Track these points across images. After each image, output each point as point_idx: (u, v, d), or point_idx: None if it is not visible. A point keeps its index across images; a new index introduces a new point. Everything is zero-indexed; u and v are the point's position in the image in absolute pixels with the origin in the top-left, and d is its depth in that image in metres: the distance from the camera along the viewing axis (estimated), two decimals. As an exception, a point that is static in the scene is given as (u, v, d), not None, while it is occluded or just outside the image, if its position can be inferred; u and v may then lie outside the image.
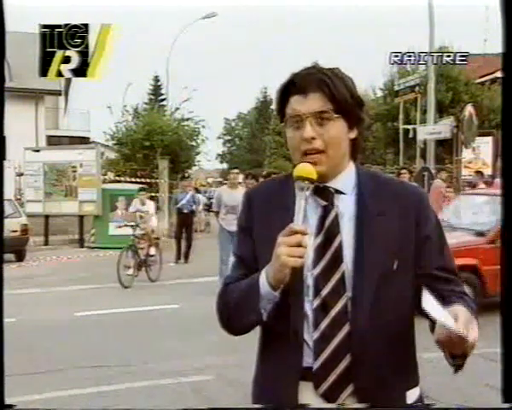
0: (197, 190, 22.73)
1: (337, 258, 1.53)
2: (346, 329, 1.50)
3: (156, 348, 6.49)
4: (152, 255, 11.02)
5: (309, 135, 1.51)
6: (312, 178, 1.49)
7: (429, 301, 1.37)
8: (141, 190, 12.24)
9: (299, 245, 1.42)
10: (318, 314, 1.51)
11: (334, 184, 1.57)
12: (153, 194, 17.81)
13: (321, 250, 1.53)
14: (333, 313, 1.51)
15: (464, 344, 1.35)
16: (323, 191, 1.56)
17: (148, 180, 19.01)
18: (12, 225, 13.18)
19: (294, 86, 1.55)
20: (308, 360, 1.53)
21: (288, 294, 1.50)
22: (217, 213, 9.51)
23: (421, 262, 1.55)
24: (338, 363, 1.50)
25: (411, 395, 1.59)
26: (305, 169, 1.49)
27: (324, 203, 1.56)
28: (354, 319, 1.50)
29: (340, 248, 1.53)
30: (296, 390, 1.53)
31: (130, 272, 10.29)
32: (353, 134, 1.58)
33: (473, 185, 12.73)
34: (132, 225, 10.80)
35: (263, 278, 1.48)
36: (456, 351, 1.40)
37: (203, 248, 13.78)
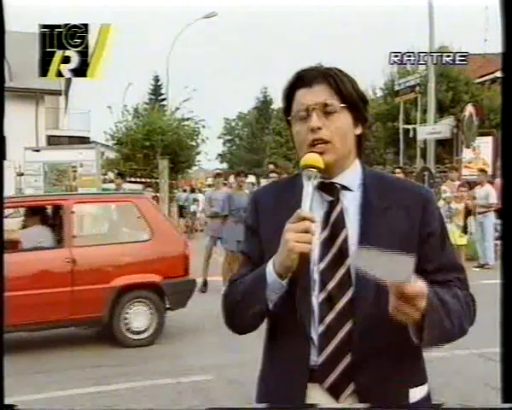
0: (199, 191, 22.79)
1: (343, 252, 1.54)
2: (350, 323, 1.51)
3: (156, 348, 6.50)
4: None
5: (315, 124, 1.53)
6: (319, 166, 1.50)
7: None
8: (147, 186, 11.56)
9: (307, 231, 1.43)
10: (324, 308, 1.52)
11: (340, 180, 1.59)
12: (153, 194, 17.76)
13: (327, 245, 1.54)
14: (338, 306, 1.52)
15: (413, 298, 1.34)
16: (329, 187, 1.58)
17: (148, 180, 19.01)
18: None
19: (301, 81, 1.58)
20: (314, 358, 1.53)
21: (295, 288, 1.51)
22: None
23: (421, 261, 1.55)
24: (342, 357, 1.51)
25: (415, 394, 1.58)
26: (312, 158, 1.51)
27: (330, 199, 1.58)
28: (358, 314, 1.51)
29: (345, 243, 1.54)
30: (304, 389, 1.53)
31: None
32: (359, 130, 1.60)
33: (474, 185, 12.70)
34: None
35: (270, 268, 1.49)
36: (412, 312, 1.36)
37: (203, 247, 13.76)
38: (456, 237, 10.38)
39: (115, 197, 8.60)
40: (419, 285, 1.36)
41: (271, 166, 10.83)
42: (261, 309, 1.52)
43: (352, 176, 1.60)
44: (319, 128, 1.53)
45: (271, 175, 9.67)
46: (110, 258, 6.61)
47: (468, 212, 10.78)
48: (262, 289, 1.50)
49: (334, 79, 1.55)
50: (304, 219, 1.43)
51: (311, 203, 1.47)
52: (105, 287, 6.43)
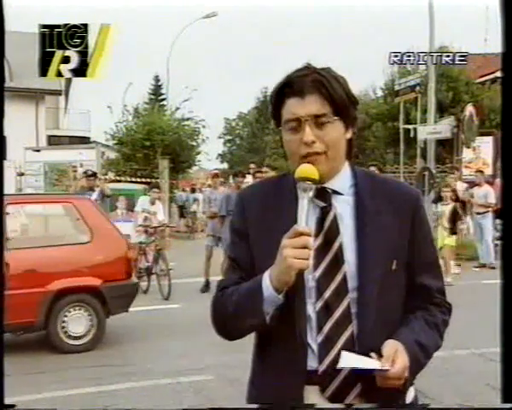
0: (200, 191, 22.76)
1: (338, 259, 1.52)
2: (349, 330, 1.50)
3: (156, 348, 6.50)
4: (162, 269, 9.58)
5: (309, 139, 1.50)
6: (315, 178, 1.48)
7: (348, 358, 1.44)
8: (154, 187, 11.43)
9: (305, 247, 1.41)
10: (322, 317, 1.51)
11: (331, 184, 1.57)
12: (159, 194, 17.77)
13: (321, 252, 1.52)
14: (336, 314, 1.50)
15: (396, 377, 1.43)
16: (321, 192, 1.55)
17: (148, 180, 19.01)
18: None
19: (290, 88, 1.53)
20: (312, 364, 1.51)
21: (290, 297, 1.48)
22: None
23: (410, 263, 1.58)
24: None
25: (409, 395, 1.59)
26: (307, 170, 1.48)
27: (322, 204, 1.55)
28: (359, 320, 1.50)
29: (340, 249, 1.52)
30: (302, 394, 1.52)
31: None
32: (349, 134, 1.58)
33: (473, 185, 12.71)
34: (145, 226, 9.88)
35: (266, 281, 1.47)
36: (399, 384, 1.46)
37: (202, 248, 13.75)
38: (443, 237, 10.31)
39: (53, 198, 8.40)
40: (399, 364, 1.43)
41: (253, 166, 10.72)
42: (258, 322, 1.50)
43: (342, 179, 1.58)
44: (313, 142, 1.50)
45: (257, 175, 9.55)
46: (46, 261, 6.40)
47: (456, 213, 10.66)
48: (259, 303, 1.47)
49: (326, 88, 1.50)
50: (301, 234, 1.41)
51: (306, 217, 1.45)
52: (40, 291, 6.20)
